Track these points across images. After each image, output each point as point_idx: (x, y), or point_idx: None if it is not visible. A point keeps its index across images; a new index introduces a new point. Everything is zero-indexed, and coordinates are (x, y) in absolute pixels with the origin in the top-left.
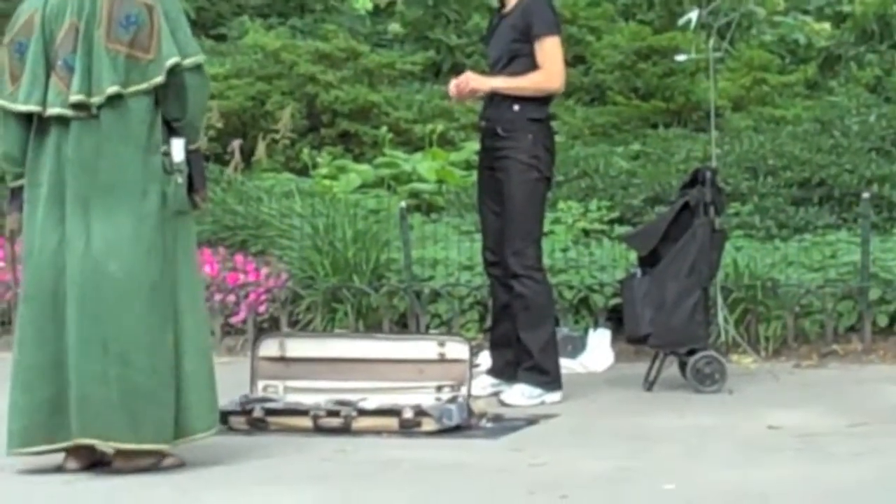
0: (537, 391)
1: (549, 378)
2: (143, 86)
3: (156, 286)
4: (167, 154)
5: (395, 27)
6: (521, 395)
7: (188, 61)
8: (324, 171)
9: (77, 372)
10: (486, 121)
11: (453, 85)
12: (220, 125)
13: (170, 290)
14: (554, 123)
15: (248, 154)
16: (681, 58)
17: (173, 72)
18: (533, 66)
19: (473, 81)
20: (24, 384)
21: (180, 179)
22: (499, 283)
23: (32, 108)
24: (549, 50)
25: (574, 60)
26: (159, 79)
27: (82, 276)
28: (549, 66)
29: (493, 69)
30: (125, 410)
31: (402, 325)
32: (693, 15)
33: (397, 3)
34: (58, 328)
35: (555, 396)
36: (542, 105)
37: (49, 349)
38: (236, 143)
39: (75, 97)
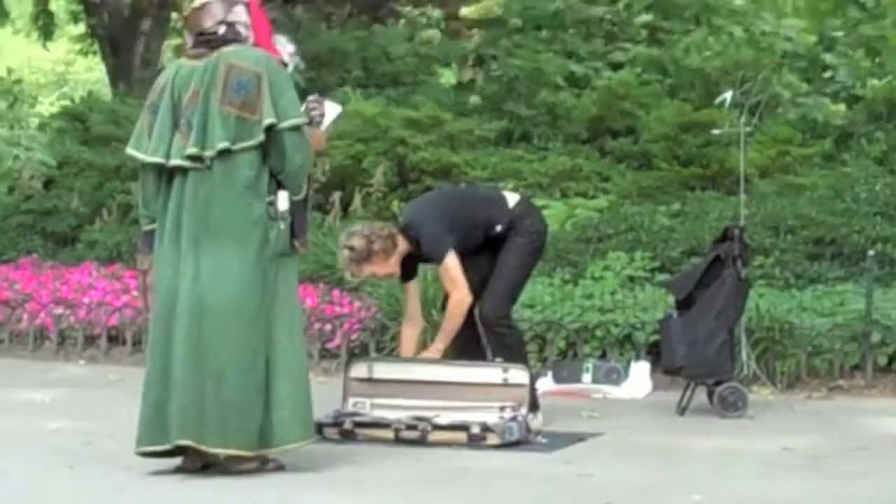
0: None
1: None
2: (250, 143)
3: (252, 316)
4: (272, 203)
5: (474, 99)
6: None
7: (285, 123)
8: None
9: (180, 384)
10: None
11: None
12: (323, 179)
13: (266, 320)
14: (606, 185)
15: (346, 204)
16: (716, 131)
17: (272, 131)
18: None
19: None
20: (143, 391)
21: (283, 226)
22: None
23: (158, 159)
24: (449, 273)
25: (626, 131)
26: (261, 137)
27: (190, 304)
28: (453, 287)
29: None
30: (217, 420)
31: None
32: (728, 95)
33: (477, 79)
34: (168, 345)
35: None
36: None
37: (159, 363)
38: (336, 195)
39: (191, 150)
